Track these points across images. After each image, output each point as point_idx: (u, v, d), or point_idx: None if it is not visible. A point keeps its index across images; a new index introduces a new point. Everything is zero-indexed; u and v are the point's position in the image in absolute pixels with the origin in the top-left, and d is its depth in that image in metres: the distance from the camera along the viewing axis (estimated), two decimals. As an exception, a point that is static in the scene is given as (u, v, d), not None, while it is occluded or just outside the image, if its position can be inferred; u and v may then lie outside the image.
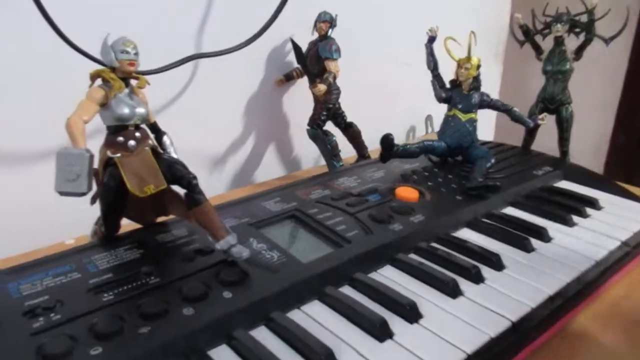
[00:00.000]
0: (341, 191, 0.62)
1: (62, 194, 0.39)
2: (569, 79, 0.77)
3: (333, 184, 0.64)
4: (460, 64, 0.71)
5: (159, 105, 0.74)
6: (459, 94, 0.72)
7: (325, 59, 0.80)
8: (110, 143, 0.46)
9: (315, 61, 0.82)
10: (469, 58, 0.70)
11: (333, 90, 0.82)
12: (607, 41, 0.75)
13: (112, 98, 0.45)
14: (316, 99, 0.83)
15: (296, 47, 0.76)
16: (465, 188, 0.63)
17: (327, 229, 0.53)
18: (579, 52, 0.75)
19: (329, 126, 0.85)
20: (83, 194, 0.39)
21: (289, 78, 0.88)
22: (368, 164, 0.72)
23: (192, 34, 0.75)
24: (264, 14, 0.76)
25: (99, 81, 0.45)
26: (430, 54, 0.74)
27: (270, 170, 0.91)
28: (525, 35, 0.78)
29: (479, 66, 0.71)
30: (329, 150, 0.83)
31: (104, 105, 0.45)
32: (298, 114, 0.87)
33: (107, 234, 0.50)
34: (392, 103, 1.08)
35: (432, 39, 0.74)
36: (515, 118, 0.73)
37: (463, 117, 0.71)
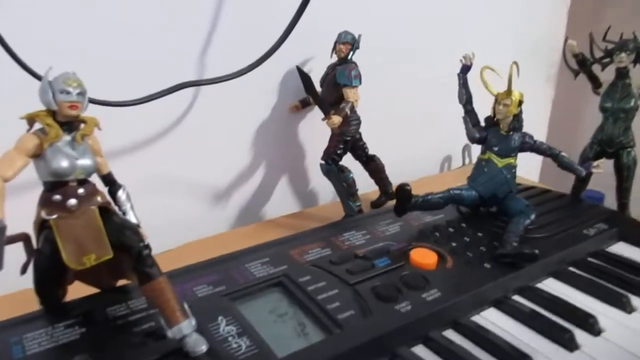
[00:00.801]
0: (344, 251, 0.52)
1: None
2: (632, 118, 0.64)
3: (336, 239, 0.54)
4: (498, 100, 0.59)
5: (153, 135, 0.66)
6: (496, 134, 0.60)
7: (344, 86, 0.70)
8: (45, 202, 0.37)
9: (332, 88, 0.72)
10: (509, 92, 0.59)
11: (351, 121, 0.72)
12: (683, 74, 0.62)
13: (46, 148, 0.36)
14: (332, 131, 0.73)
15: (303, 75, 0.66)
16: (496, 254, 0.52)
17: (317, 305, 0.44)
18: (647, 86, 0.62)
19: (349, 159, 0.75)
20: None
21: (305, 104, 0.78)
22: (383, 214, 0.61)
23: (192, 57, 0.66)
24: (275, 33, 0.67)
25: (38, 125, 0.37)
26: (463, 86, 0.63)
27: (281, 205, 0.82)
28: (581, 65, 0.66)
29: (520, 102, 0.59)
30: (345, 188, 0.73)
31: (37, 156, 0.37)
32: (315, 144, 0.77)
33: (44, 306, 0.41)
34: (423, 129, 0.97)
35: (466, 69, 0.63)
36: (564, 165, 0.60)
37: (499, 162, 0.60)
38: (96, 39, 0.58)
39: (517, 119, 0.60)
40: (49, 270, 0.38)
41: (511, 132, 0.60)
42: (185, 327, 0.37)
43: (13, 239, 0.35)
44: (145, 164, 0.67)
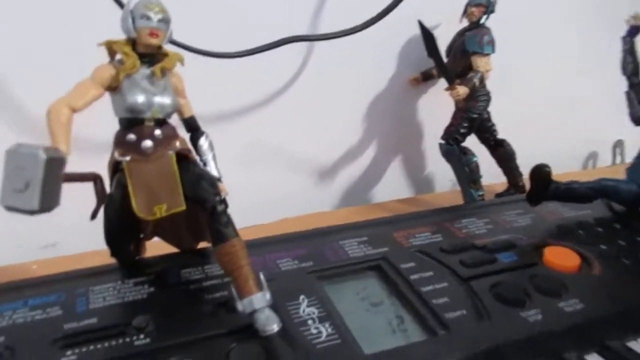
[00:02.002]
0: (460, 239, 0.43)
1: (8, 208, 0.27)
2: None
3: (451, 225, 0.45)
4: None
5: (255, 98, 0.62)
6: (670, 114, 0.47)
7: (473, 54, 0.61)
8: (119, 142, 0.33)
9: (460, 56, 0.62)
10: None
11: (479, 96, 0.62)
12: None
13: (123, 80, 0.32)
14: (456, 105, 0.64)
15: (426, 33, 0.57)
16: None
17: (420, 299, 0.35)
18: None
19: (473, 142, 0.65)
20: (32, 213, 0.27)
21: (427, 77, 0.69)
22: (511, 203, 0.51)
23: (304, 10, 0.61)
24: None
25: (118, 57, 0.33)
26: (629, 52, 0.50)
27: (391, 189, 0.74)
28: None
29: None
30: (466, 173, 0.63)
31: (114, 89, 0.33)
32: (436, 122, 0.67)
33: (115, 259, 0.38)
34: (564, 119, 0.83)
35: (634, 30, 0.50)
36: None
37: (671, 149, 0.47)
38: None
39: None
40: (119, 219, 0.34)
41: (692, 113, 0.46)
42: (258, 301, 0.31)
43: (81, 177, 0.32)
44: (244, 130, 0.62)
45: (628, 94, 0.50)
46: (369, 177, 0.73)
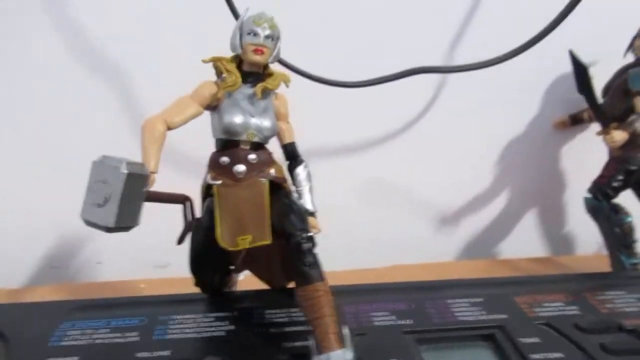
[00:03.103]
0: (602, 315, 0.35)
1: (86, 223, 0.26)
2: None
3: (591, 296, 0.37)
4: None
5: (378, 131, 0.59)
6: None
7: (637, 94, 0.51)
8: (212, 164, 0.32)
9: (620, 96, 0.53)
10: None
11: (640, 144, 0.52)
12: None
13: (223, 98, 0.31)
14: (610, 153, 0.54)
15: (578, 66, 0.49)
16: None
17: (540, 385, 0.28)
18: None
19: (629, 199, 0.54)
20: (107, 230, 0.26)
21: (576, 121, 0.61)
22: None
23: (432, 40, 0.56)
24: (541, 17, 0.52)
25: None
26: None
27: (524, 245, 0.65)
28: None
29: None
30: (617, 235, 0.53)
31: (214, 107, 0.31)
32: (583, 174, 0.57)
33: (201, 289, 0.36)
34: None
35: None
36: None
37: None
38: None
39: None
40: (206, 247, 0.32)
41: None
42: (336, 358, 0.27)
43: (170, 198, 0.30)
44: (365, 165, 0.59)
45: None
46: (498, 229, 0.65)
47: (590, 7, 0.47)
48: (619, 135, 0.50)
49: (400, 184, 0.61)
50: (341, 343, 0.27)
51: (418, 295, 0.36)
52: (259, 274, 0.38)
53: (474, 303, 0.36)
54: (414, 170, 0.60)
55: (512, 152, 0.62)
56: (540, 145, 0.63)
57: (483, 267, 0.59)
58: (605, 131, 0.50)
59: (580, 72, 0.47)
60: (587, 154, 0.59)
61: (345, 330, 0.28)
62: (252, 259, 0.35)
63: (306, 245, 0.29)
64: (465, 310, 0.35)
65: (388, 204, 0.61)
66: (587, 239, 0.64)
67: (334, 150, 0.59)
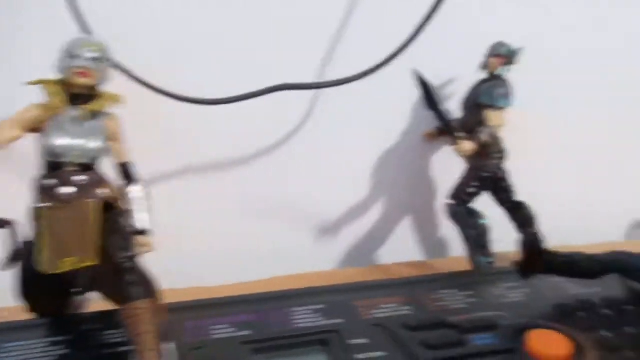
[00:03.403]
0: (431, 314, 0.37)
1: None
2: None
3: (427, 297, 0.40)
4: None
5: (254, 147, 0.60)
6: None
7: (486, 107, 0.56)
8: (38, 187, 0.31)
9: (473, 109, 0.57)
10: None
11: (492, 153, 0.57)
12: None
13: (49, 121, 0.31)
14: (468, 162, 0.58)
15: (422, 84, 0.52)
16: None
17: (360, 384, 0.30)
18: None
19: (486, 204, 0.59)
20: None
21: (442, 132, 0.64)
22: (505, 274, 0.44)
23: (300, 56, 0.58)
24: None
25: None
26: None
27: (402, 251, 0.68)
28: None
29: None
30: (474, 237, 0.57)
31: (37, 130, 0.31)
32: (453, 181, 0.62)
33: (36, 314, 0.35)
34: (605, 178, 0.74)
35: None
36: None
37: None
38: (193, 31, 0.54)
39: None
40: (33, 271, 0.32)
41: None
42: (151, 375, 0.27)
43: (-3, 223, 0.30)
44: (240, 181, 0.60)
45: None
46: (377, 237, 0.68)
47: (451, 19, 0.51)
48: (468, 146, 0.53)
49: (278, 198, 0.62)
50: (157, 358, 0.28)
51: (263, 306, 0.37)
52: (106, 294, 0.37)
53: (316, 310, 0.37)
54: (290, 184, 0.62)
55: (386, 163, 0.65)
56: (414, 156, 0.66)
57: (359, 274, 0.61)
58: (455, 142, 0.54)
59: (426, 89, 0.51)
60: (455, 163, 0.63)
61: (170, 346, 0.29)
62: (97, 280, 0.35)
63: (127, 265, 0.29)
64: (306, 318, 0.36)
65: (270, 219, 0.63)
66: (460, 242, 0.69)
67: (212, 167, 0.60)
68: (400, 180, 0.66)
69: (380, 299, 0.39)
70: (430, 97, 0.52)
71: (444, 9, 0.55)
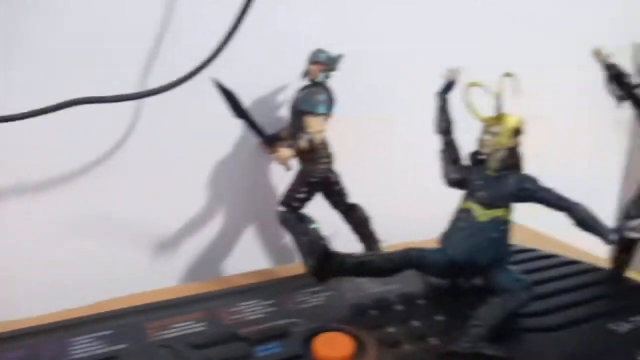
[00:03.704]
0: (223, 328, 0.37)
1: None
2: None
3: (224, 311, 0.39)
4: (486, 127, 0.42)
5: (79, 164, 0.56)
6: (482, 175, 0.43)
7: (306, 114, 0.56)
8: None
9: (296, 116, 0.58)
10: (499, 117, 0.42)
11: (320, 159, 0.57)
12: None
13: None
14: (302, 169, 0.59)
15: (226, 92, 0.52)
16: (445, 352, 0.34)
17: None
18: None
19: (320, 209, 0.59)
20: None
21: (277, 140, 0.64)
22: (310, 278, 0.44)
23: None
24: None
25: None
26: (443, 110, 0.46)
27: (245, 261, 0.67)
28: (618, 83, 0.46)
29: (517, 131, 0.42)
30: (305, 242, 0.57)
31: None
32: None
33: None
34: (428, 177, 0.78)
35: (449, 87, 0.46)
36: (584, 224, 0.41)
37: (483, 214, 0.42)
38: None
39: (513, 154, 0.42)
40: None
41: (504, 173, 0.42)
42: None
43: None
44: (62, 202, 0.56)
45: (442, 153, 0.46)
46: (219, 249, 0.67)
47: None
48: (286, 153, 0.54)
49: (106, 217, 0.59)
50: None
51: (35, 340, 0.34)
52: None
53: (100, 337, 0.35)
54: (117, 202, 0.59)
55: (222, 171, 0.64)
56: (251, 164, 0.66)
57: (202, 288, 0.60)
58: (272, 150, 0.54)
59: (229, 98, 0.50)
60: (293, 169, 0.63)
61: None
62: None
63: None
64: (86, 347, 0.34)
65: (93, 238, 0.59)
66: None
67: (34, 187, 0.56)
68: (239, 188, 0.66)
69: (175, 318, 0.37)
70: (236, 105, 0.51)
71: (264, 14, 0.56)
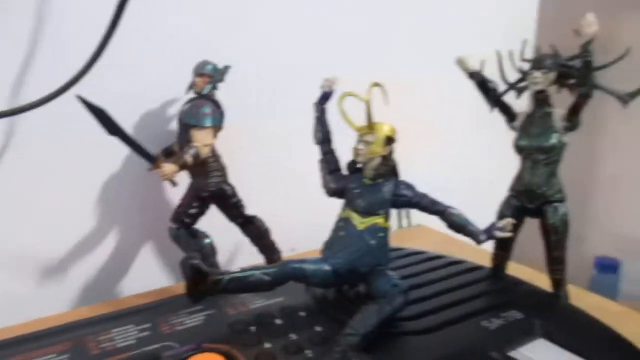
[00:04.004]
0: (87, 358, 0.35)
1: None
2: (557, 161, 0.46)
3: (93, 339, 0.37)
4: (360, 136, 0.43)
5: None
6: (359, 184, 0.43)
7: (192, 127, 0.55)
8: None
9: (182, 129, 0.57)
10: (371, 126, 0.42)
11: (210, 172, 0.56)
12: (624, 99, 0.44)
13: None
14: (192, 183, 0.57)
15: (94, 110, 0.49)
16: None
17: None
18: (572, 116, 0.44)
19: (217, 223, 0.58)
20: None
21: (168, 154, 0.62)
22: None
23: None
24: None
25: None
26: (320, 120, 0.46)
27: (145, 279, 0.65)
28: (482, 88, 0.49)
29: (390, 139, 0.42)
30: (182, 262, 0.56)
31: None
32: None
33: None
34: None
35: (325, 97, 0.47)
36: (455, 226, 0.43)
37: (360, 222, 0.42)
38: None
39: (387, 162, 0.43)
40: None
41: (379, 181, 0.43)
42: None
43: None
44: None
45: (321, 162, 0.46)
46: (113, 269, 0.64)
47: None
48: (169, 168, 0.52)
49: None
50: None
51: None
52: None
53: (-53, 379, 0.32)
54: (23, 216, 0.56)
55: (111, 190, 0.62)
56: (141, 180, 0.63)
57: (92, 311, 0.57)
58: (155, 165, 0.52)
59: (99, 115, 0.47)
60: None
61: None
62: None
63: None
64: None
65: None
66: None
67: None
68: (130, 205, 0.63)
69: (37, 351, 0.35)
70: (107, 122, 0.48)
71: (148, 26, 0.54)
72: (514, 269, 0.51)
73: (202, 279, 0.37)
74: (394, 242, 0.44)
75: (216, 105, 0.56)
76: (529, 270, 0.56)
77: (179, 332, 0.38)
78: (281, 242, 0.63)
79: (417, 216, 0.84)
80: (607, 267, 1.66)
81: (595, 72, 0.41)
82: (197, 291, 0.37)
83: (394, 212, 0.82)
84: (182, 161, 0.53)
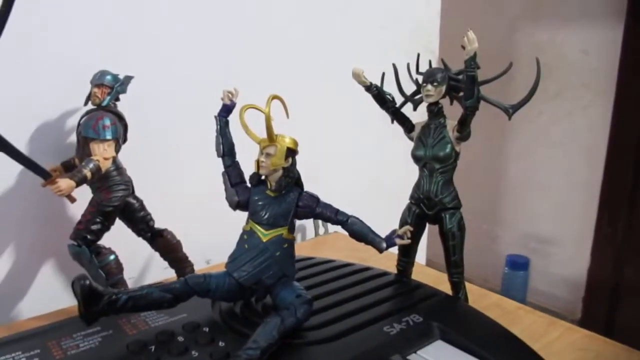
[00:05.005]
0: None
1: None
2: (452, 169, 0.48)
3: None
4: (261, 148, 0.43)
5: None
6: (262, 196, 0.43)
7: (91, 140, 0.53)
8: None
9: (82, 143, 0.55)
10: (272, 138, 0.43)
11: (114, 186, 0.55)
12: (508, 111, 0.47)
13: None
14: (94, 198, 0.55)
15: None
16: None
17: None
18: (462, 127, 0.47)
19: (125, 238, 0.56)
20: None
21: (68, 168, 0.60)
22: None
23: None
24: None
25: None
26: (221, 133, 0.46)
27: (47, 300, 0.61)
28: (378, 100, 0.50)
29: (291, 151, 0.43)
30: (103, 277, 0.54)
31: None
32: None
33: None
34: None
35: (226, 109, 0.46)
36: (357, 235, 0.44)
37: (265, 234, 0.42)
38: None
39: (289, 173, 0.43)
40: None
41: (283, 192, 0.43)
42: None
43: None
44: None
45: (224, 175, 0.46)
46: (10, 291, 0.60)
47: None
48: (65, 184, 0.50)
49: None
50: None
51: None
52: None
53: None
54: None
55: (8, 207, 0.58)
56: (42, 196, 0.60)
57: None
58: (50, 181, 0.50)
59: None
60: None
61: None
62: None
63: None
64: None
65: None
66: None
67: None
68: (28, 223, 0.60)
69: None
70: None
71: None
72: (427, 273, 0.53)
73: (95, 300, 0.36)
74: (309, 250, 0.45)
75: (118, 117, 0.55)
76: (440, 274, 0.59)
77: (72, 356, 0.36)
78: (196, 254, 0.63)
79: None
80: (518, 265, 1.76)
81: (480, 86, 0.44)
82: (90, 312, 0.36)
83: (310, 220, 0.83)
84: (80, 176, 0.51)
